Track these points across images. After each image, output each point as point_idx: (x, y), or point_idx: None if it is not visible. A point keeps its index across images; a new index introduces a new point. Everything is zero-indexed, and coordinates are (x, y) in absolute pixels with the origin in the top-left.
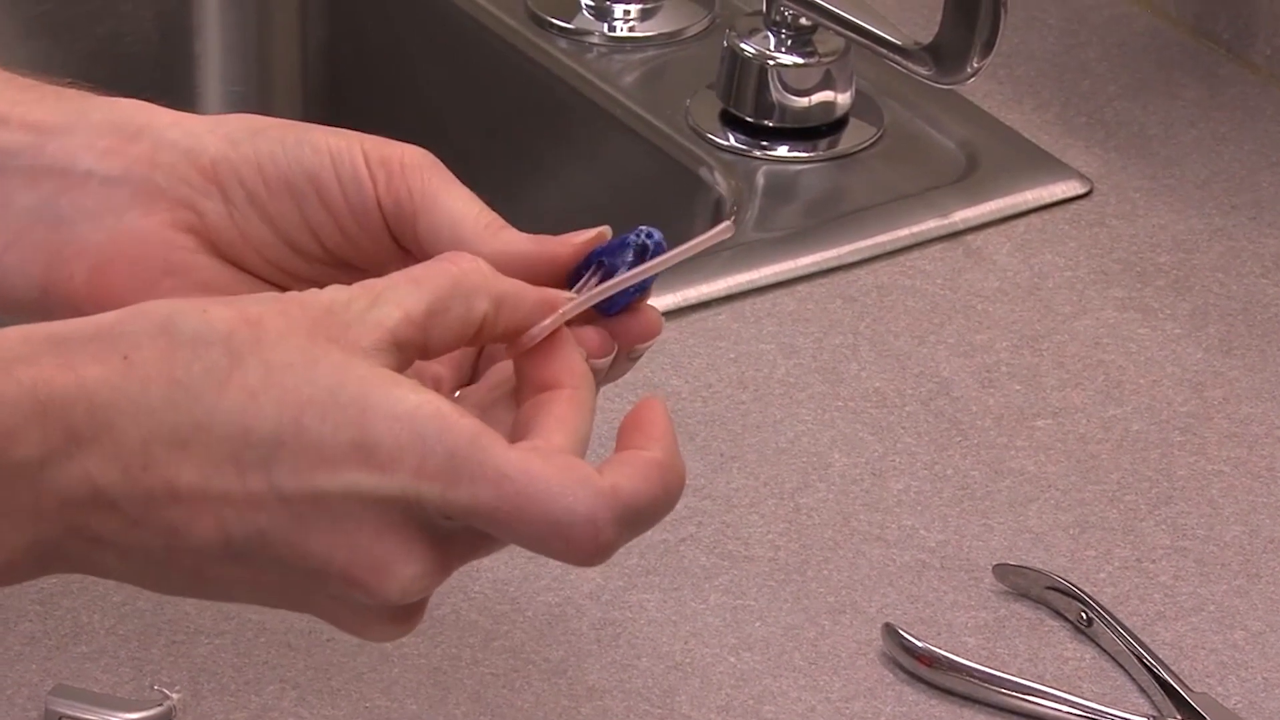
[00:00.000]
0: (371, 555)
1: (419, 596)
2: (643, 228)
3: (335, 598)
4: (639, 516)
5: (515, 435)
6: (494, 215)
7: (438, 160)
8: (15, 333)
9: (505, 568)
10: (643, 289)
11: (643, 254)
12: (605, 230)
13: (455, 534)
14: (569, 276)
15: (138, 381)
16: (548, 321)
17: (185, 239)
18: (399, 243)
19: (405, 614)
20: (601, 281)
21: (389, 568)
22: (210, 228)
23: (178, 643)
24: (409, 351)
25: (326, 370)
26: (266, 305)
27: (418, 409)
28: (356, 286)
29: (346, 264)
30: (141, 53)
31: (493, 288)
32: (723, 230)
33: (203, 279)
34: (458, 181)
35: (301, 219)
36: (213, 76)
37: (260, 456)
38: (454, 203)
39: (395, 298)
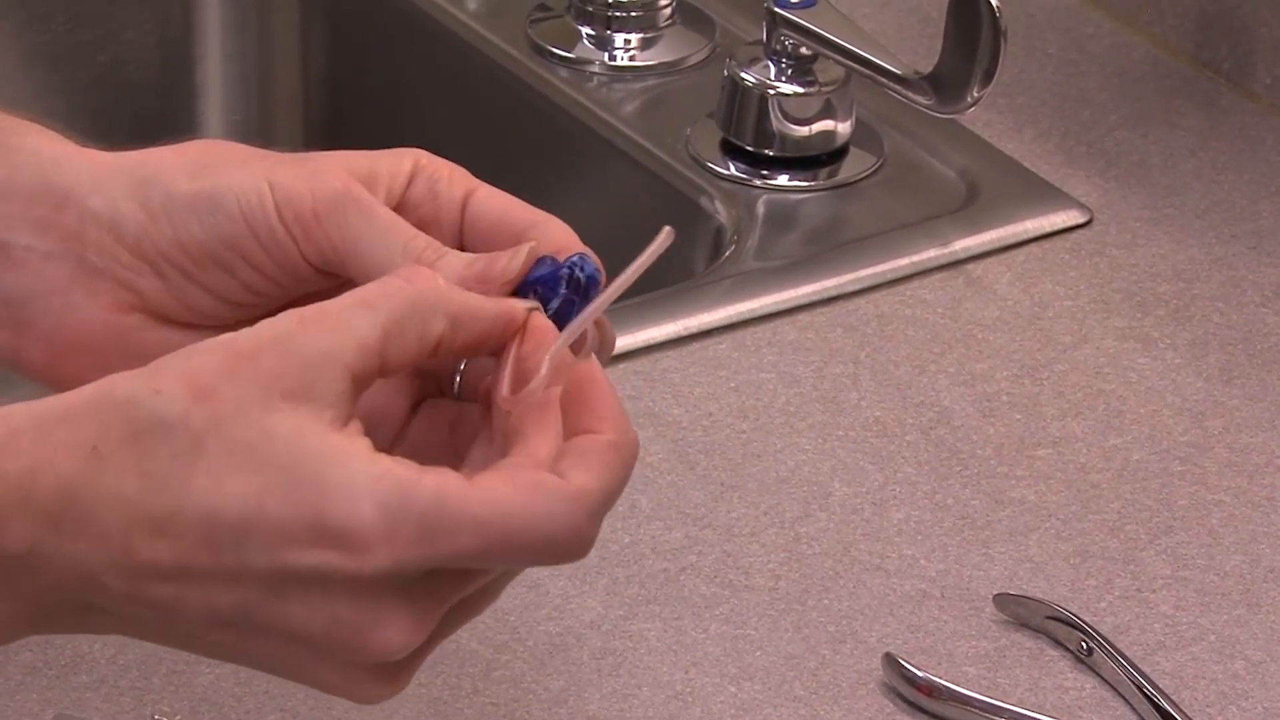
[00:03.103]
0: (350, 622)
1: (403, 654)
2: (575, 257)
3: (323, 659)
4: (609, 502)
5: (505, 443)
6: (426, 241)
7: (350, 188)
8: None
9: (505, 598)
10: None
11: (577, 286)
12: (535, 247)
13: (433, 585)
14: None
15: (111, 473)
16: (544, 374)
17: (131, 319)
18: (338, 278)
19: (393, 672)
20: (558, 312)
21: (368, 632)
22: (152, 304)
23: (178, 672)
24: (365, 380)
25: (283, 447)
26: (216, 368)
27: (376, 484)
28: (310, 316)
29: (294, 304)
30: (142, 81)
31: (449, 306)
32: (664, 239)
33: (159, 352)
34: (377, 208)
35: (236, 284)
36: (214, 105)
37: (231, 539)
38: (378, 247)
39: (349, 326)
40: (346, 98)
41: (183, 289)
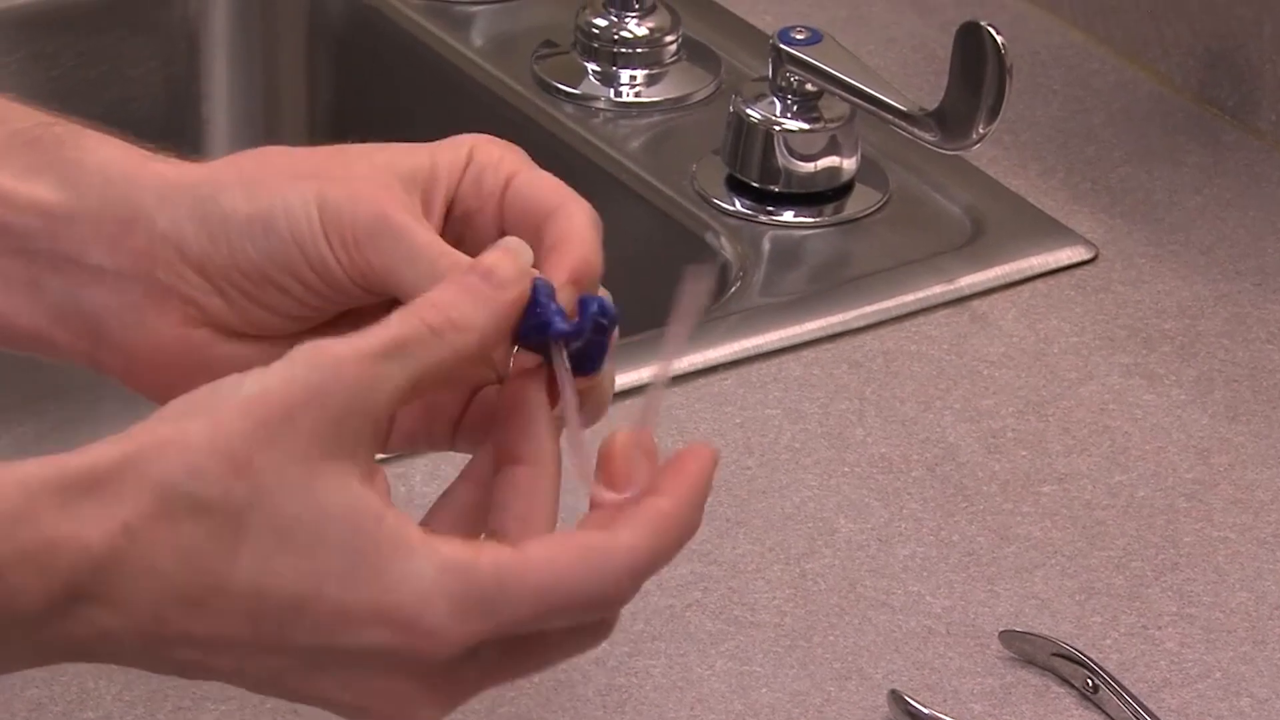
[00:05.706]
0: (386, 692)
1: None
2: (593, 303)
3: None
4: (647, 571)
5: (491, 506)
6: (451, 262)
7: (386, 211)
8: (12, 480)
9: None
10: (603, 358)
11: (602, 331)
12: (529, 276)
13: (474, 663)
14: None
15: (143, 550)
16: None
17: (200, 334)
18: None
19: None
20: (569, 355)
21: (404, 706)
22: (217, 320)
23: (184, 709)
24: (391, 423)
25: (336, 528)
26: (250, 436)
27: (442, 578)
28: (346, 359)
29: (349, 314)
30: (149, 118)
31: (478, 359)
32: (701, 279)
33: (230, 366)
34: (410, 231)
35: (292, 300)
36: (220, 142)
37: (279, 615)
38: (410, 270)
39: (384, 377)
40: (352, 133)
41: (244, 307)
